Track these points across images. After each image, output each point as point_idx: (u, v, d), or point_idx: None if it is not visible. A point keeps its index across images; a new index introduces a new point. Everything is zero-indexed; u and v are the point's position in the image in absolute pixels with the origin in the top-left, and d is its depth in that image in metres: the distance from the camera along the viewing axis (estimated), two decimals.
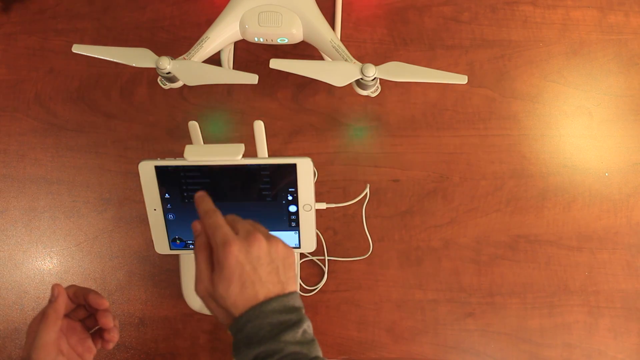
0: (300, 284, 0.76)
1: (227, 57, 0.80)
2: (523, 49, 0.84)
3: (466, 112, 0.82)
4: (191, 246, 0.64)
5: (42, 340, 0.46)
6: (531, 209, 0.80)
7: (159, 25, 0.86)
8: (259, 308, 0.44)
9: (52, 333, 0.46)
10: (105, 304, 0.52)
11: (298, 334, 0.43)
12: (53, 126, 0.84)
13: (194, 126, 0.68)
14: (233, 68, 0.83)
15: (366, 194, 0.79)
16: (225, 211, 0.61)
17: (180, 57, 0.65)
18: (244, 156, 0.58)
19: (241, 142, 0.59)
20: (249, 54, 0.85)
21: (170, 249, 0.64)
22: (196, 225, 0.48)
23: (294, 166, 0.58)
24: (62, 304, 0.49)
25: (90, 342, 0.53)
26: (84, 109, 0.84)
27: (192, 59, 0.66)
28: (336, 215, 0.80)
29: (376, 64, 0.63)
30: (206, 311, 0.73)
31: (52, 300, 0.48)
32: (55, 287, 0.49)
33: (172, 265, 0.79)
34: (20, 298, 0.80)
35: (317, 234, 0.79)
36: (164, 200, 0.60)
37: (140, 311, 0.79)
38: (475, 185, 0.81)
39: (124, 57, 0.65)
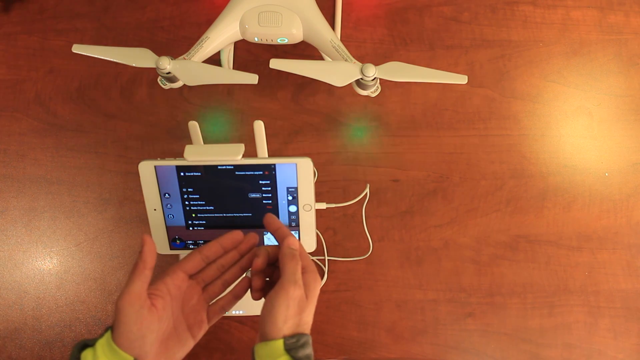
0: None
1: (227, 57, 0.80)
2: (523, 49, 0.84)
3: (466, 112, 0.82)
4: (192, 246, 0.64)
5: (127, 289, 0.45)
6: (531, 209, 0.80)
7: (159, 25, 0.86)
8: (309, 338, 0.49)
9: (137, 283, 0.45)
10: (239, 235, 0.52)
11: None
12: (53, 126, 0.84)
13: (194, 126, 0.68)
14: (233, 68, 0.83)
15: (366, 194, 0.79)
16: (225, 211, 0.61)
17: (180, 57, 0.65)
18: (244, 156, 0.58)
19: (241, 142, 0.59)
20: (249, 54, 0.85)
21: (170, 249, 0.64)
22: (295, 242, 0.51)
23: (294, 166, 0.58)
24: (149, 254, 0.46)
25: (203, 315, 0.50)
26: (84, 109, 0.84)
27: (192, 59, 0.66)
28: (336, 215, 0.80)
29: (376, 64, 0.63)
30: None
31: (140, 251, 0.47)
32: (143, 237, 0.47)
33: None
34: (20, 298, 0.80)
35: (317, 234, 0.79)
36: (164, 200, 0.60)
37: None
38: (475, 185, 0.81)
39: (124, 57, 0.64)
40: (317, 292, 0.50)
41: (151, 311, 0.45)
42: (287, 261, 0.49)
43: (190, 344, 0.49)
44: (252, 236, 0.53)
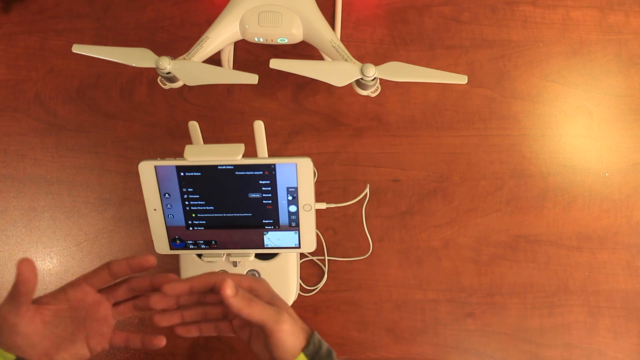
0: (300, 284, 0.76)
1: (227, 57, 0.80)
2: (523, 49, 0.84)
3: (466, 112, 0.82)
4: (191, 246, 0.64)
5: (3, 307, 0.45)
6: (531, 209, 0.80)
7: (159, 25, 0.86)
8: (315, 332, 0.50)
9: (12, 305, 0.44)
10: (151, 260, 0.48)
11: None
12: (53, 126, 0.84)
13: (194, 126, 0.68)
14: (233, 68, 0.83)
15: (366, 194, 0.79)
16: (225, 211, 0.61)
17: (180, 57, 0.65)
18: (244, 156, 0.58)
19: (241, 142, 0.59)
20: (249, 54, 0.85)
21: (170, 249, 0.64)
22: (229, 284, 0.46)
23: (294, 166, 0.58)
24: (24, 285, 0.44)
25: (107, 331, 0.49)
26: (84, 109, 0.84)
27: (192, 59, 0.65)
28: (336, 215, 0.80)
29: (376, 64, 0.63)
30: None
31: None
32: (18, 264, 0.44)
33: (172, 265, 0.79)
34: None
35: (317, 234, 0.79)
36: (164, 200, 0.60)
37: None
38: (475, 185, 0.81)
39: (124, 57, 0.65)
40: (278, 295, 0.50)
41: (32, 322, 0.45)
42: (250, 312, 0.46)
43: (84, 354, 0.48)
44: (169, 277, 0.49)
